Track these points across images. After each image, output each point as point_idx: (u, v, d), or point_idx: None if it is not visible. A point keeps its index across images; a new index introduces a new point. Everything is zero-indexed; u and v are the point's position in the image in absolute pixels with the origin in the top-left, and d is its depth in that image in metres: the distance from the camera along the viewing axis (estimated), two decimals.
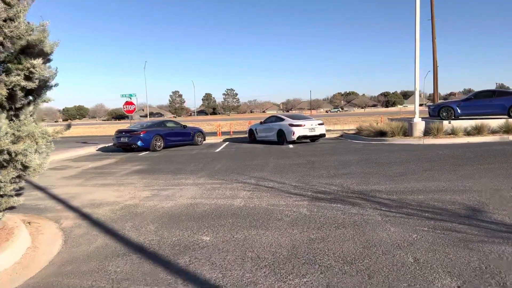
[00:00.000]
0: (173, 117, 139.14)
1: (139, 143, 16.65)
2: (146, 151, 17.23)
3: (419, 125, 15.83)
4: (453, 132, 15.42)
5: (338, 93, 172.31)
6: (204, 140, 20.41)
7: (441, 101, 27.66)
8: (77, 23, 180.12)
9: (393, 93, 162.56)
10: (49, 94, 6.45)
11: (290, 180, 8.66)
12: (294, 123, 16.78)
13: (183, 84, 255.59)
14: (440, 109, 18.43)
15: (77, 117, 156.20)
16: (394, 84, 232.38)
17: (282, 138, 17.13)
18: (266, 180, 8.76)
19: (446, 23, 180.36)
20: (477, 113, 17.60)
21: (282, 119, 17.64)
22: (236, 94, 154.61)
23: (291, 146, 16.64)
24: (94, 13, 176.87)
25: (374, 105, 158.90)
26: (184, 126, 19.27)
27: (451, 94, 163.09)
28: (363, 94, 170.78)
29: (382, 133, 17.06)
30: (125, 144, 17.01)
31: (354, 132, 21.20)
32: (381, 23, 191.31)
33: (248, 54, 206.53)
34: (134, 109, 27.54)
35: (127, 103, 27.04)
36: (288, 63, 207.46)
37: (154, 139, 16.99)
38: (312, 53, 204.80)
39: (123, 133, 17.17)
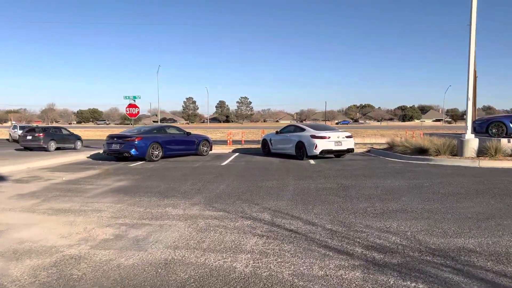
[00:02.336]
0: (186, 123, 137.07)
1: (132, 151, 14.10)
2: (141, 160, 14.67)
3: (472, 143, 12.93)
4: None
5: (354, 105, 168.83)
6: (211, 150, 17.79)
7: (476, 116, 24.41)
8: (91, 27, 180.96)
9: (410, 107, 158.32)
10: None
11: (321, 218, 5.94)
12: (317, 135, 14.04)
13: (197, 90, 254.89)
14: (489, 125, 15.51)
15: (91, 120, 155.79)
16: (411, 98, 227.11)
17: (301, 151, 14.41)
18: (286, 216, 6.05)
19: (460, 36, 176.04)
20: None
21: (303, 129, 14.92)
22: (250, 103, 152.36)
23: (312, 162, 13.90)
24: (108, 18, 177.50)
25: (391, 119, 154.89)
26: (188, 133, 16.69)
27: None
28: (379, 107, 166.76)
29: (422, 150, 14.20)
30: (116, 152, 14.49)
31: (384, 147, 18.34)
32: (397, 38, 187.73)
33: (263, 63, 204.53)
34: (138, 112, 25.25)
35: (130, 105, 24.72)
36: (303, 73, 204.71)
37: (150, 147, 14.43)
38: (328, 64, 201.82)
39: (115, 139, 14.65)
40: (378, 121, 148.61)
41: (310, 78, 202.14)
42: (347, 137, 14.46)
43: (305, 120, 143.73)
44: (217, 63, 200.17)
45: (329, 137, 13.98)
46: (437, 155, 13.37)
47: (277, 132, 16.49)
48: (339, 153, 14.76)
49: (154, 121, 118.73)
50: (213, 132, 46.23)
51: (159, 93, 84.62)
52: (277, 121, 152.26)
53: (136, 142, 14.18)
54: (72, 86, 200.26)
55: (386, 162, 13.42)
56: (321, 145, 13.81)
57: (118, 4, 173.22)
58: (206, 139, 17.43)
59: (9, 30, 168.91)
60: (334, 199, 7.33)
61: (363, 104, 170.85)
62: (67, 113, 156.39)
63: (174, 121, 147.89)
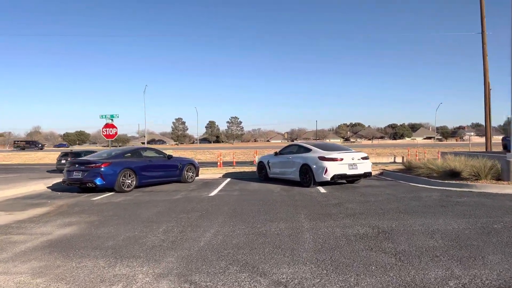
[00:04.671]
0: (175, 144, 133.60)
1: (97, 180, 11.31)
2: (110, 191, 11.88)
3: None
4: None
5: (344, 124, 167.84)
6: (197, 175, 15.05)
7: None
8: (73, 47, 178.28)
9: (400, 125, 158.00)
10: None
11: None
12: (327, 156, 11.45)
13: (186, 111, 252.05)
14: None
15: (77, 142, 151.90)
16: (401, 116, 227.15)
17: (307, 177, 11.78)
18: None
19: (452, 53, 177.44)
20: None
21: (308, 150, 12.32)
22: (240, 122, 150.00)
23: (322, 189, 11.25)
24: (97, 39, 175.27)
25: (382, 137, 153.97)
26: (169, 157, 13.96)
27: (460, 128, 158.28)
28: (369, 126, 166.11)
29: (453, 174, 11.69)
30: (78, 181, 11.64)
31: (399, 168, 15.87)
32: (386, 54, 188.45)
33: (253, 83, 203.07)
34: (116, 133, 22.57)
35: (107, 125, 22.05)
36: (293, 92, 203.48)
37: (121, 175, 11.65)
38: (318, 83, 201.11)
39: (77, 165, 11.85)
40: (369, 139, 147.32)
41: (300, 97, 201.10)
42: (363, 158, 11.89)
43: (296, 139, 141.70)
44: (206, 83, 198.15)
45: (342, 159, 11.40)
46: (476, 179, 10.82)
47: (276, 153, 13.86)
48: (353, 179, 12.17)
49: (142, 143, 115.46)
50: (202, 153, 43.53)
51: (146, 114, 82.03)
52: (268, 140, 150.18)
53: (102, 169, 11.40)
54: (58, 109, 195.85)
55: (415, 190, 10.80)
56: (333, 169, 11.22)
57: (105, 22, 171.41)
58: (191, 163, 14.70)
59: None
60: (382, 259, 4.68)
61: (353, 123, 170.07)
62: (54, 136, 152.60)
63: (163, 142, 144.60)
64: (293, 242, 5.60)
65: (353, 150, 12.45)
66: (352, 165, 11.53)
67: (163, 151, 15.03)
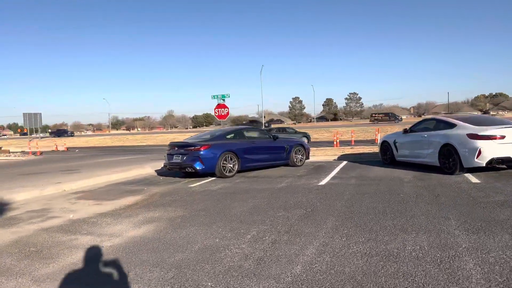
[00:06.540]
0: (293, 123, 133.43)
1: (196, 164, 10.24)
2: (211, 176, 10.81)
3: None
4: None
5: (482, 94, 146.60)
6: (307, 158, 13.09)
7: None
8: (200, 35, 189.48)
9: None
10: None
11: None
12: (480, 133, 8.39)
13: (303, 89, 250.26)
14: None
15: (204, 124, 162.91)
16: None
17: (451, 161, 8.88)
18: None
19: None
20: None
21: (452, 125, 9.33)
22: (360, 99, 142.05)
23: (473, 178, 8.32)
24: (216, 28, 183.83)
25: None
26: (275, 137, 12.28)
27: None
28: None
29: None
30: (177, 165, 10.77)
31: None
32: None
33: (373, 56, 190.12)
34: (228, 113, 22.19)
35: (218, 105, 21.65)
36: (419, 63, 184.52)
37: (221, 159, 10.41)
38: (449, 51, 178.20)
39: (176, 148, 10.98)
40: None
41: (428, 68, 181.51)
42: None
43: (423, 114, 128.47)
44: (322, 60, 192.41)
45: (503, 137, 8.22)
46: None
47: (405, 131, 11.08)
48: None
49: (265, 123, 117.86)
50: (319, 132, 41.40)
51: (262, 94, 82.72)
52: None
53: (201, 152, 10.29)
54: (187, 93, 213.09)
55: None
56: (490, 151, 8.15)
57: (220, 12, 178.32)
58: (300, 144, 12.81)
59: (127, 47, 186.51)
60: None
61: (494, 93, 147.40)
62: (185, 119, 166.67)
63: (281, 121, 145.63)
64: (447, 279, 3.36)
65: None
66: None
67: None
